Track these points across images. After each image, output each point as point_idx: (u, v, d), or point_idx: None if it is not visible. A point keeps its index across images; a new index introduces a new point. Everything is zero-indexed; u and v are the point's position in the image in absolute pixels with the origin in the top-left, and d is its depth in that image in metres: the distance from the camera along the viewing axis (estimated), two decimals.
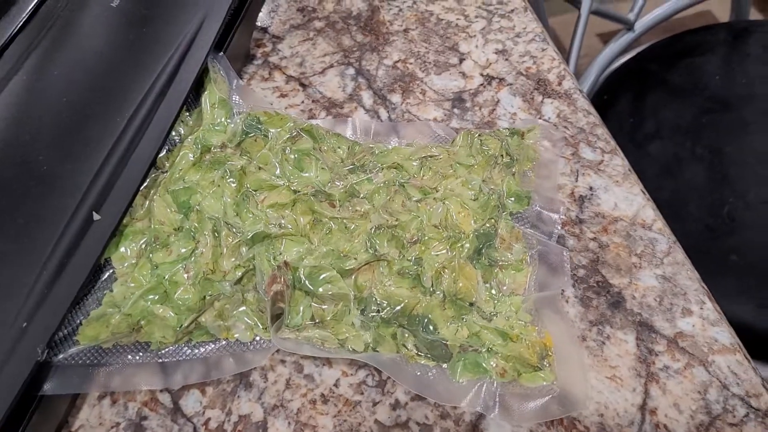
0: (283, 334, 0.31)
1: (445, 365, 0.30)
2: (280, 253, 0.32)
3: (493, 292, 0.32)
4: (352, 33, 0.47)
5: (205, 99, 0.37)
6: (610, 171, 0.39)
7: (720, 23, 0.74)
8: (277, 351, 0.34)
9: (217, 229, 0.32)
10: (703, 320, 0.34)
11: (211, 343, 0.32)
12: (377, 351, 0.30)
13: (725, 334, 0.33)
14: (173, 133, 0.36)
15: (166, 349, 0.32)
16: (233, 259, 0.32)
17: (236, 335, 0.32)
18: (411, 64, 0.45)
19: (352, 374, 0.33)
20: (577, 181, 0.39)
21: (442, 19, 0.47)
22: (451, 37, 0.46)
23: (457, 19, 0.47)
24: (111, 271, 0.32)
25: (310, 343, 0.31)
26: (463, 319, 0.31)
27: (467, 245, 0.32)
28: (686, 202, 0.62)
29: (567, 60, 0.67)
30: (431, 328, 0.31)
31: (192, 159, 0.35)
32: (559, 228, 0.36)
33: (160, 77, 0.36)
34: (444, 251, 0.32)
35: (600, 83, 0.72)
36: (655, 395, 0.32)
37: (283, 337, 0.31)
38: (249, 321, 0.32)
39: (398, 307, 0.31)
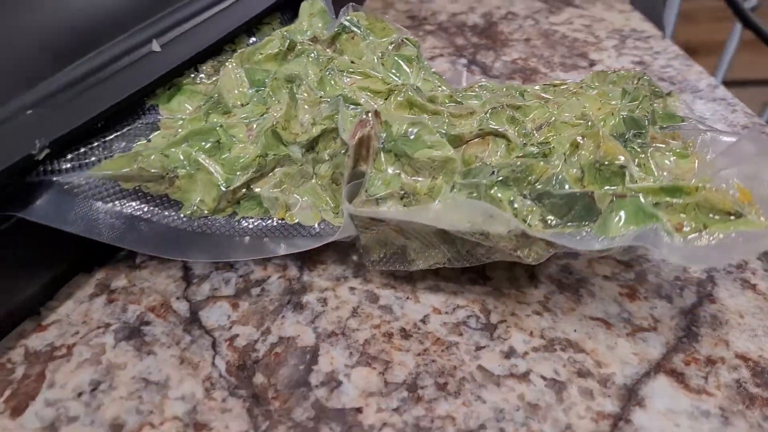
0: (358, 206, 0.22)
1: (587, 229, 0.20)
2: (378, 112, 0.24)
3: (647, 169, 0.22)
4: (467, 36, 0.42)
5: (304, 7, 0.31)
6: None
7: None
8: (344, 278, 0.24)
9: (293, 89, 0.25)
10: None
11: (260, 221, 0.23)
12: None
13: None
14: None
15: (199, 221, 0.23)
16: (309, 116, 0.24)
17: (297, 217, 0.23)
18: (533, 62, 0.39)
19: (447, 312, 0.23)
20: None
21: (567, 36, 0.42)
22: (579, 48, 0.41)
23: (586, 37, 0.42)
24: (155, 119, 0.24)
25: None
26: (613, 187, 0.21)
27: (611, 122, 0.23)
28: None
29: None
30: (567, 186, 0.21)
31: (276, 50, 0.28)
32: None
33: None
34: (586, 126, 0.23)
35: None
36: None
37: (359, 208, 0.22)
38: (317, 200, 0.23)
39: (520, 168, 0.22)
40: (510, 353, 0.22)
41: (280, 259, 0.25)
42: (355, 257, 0.25)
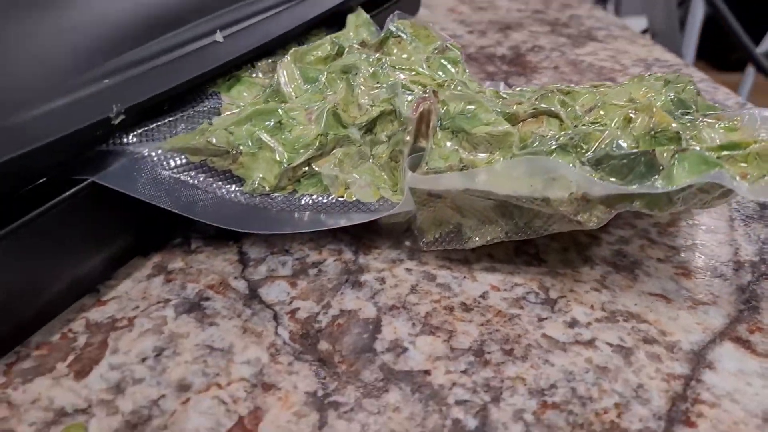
0: (418, 177, 0.22)
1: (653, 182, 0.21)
2: (435, 91, 0.24)
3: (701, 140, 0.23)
4: (497, 64, 0.44)
5: (351, 19, 0.32)
6: None
7: None
8: (400, 260, 0.25)
9: (350, 79, 0.26)
10: None
11: (320, 197, 0.24)
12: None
13: None
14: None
15: (260, 198, 0.23)
16: (368, 99, 0.25)
17: (355, 195, 0.24)
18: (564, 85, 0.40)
19: (505, 289, 0.24)
20: None
21: (594, 65, 0.44)
22: (607, 74, 0.42)
23: (612, 65, 0.43)
24: (218, 103, 0.25)
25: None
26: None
27: (659, 101, 0.24)
28: None
29: None
30: (626, 147, 0.22)
31: (326, 54, 0.29)
32: None
33: None
34: (638, 103, 0.24)
35: None
36: None
37: (419, 183, 0.22)
38: (376, 179, 0.24)
39: (577, 136, 0.22)
40: (573, 323, 0.22)
41: (335, 244, 0.26)
42: (408, 242, 0.26)
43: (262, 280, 0.24)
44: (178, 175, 0.22)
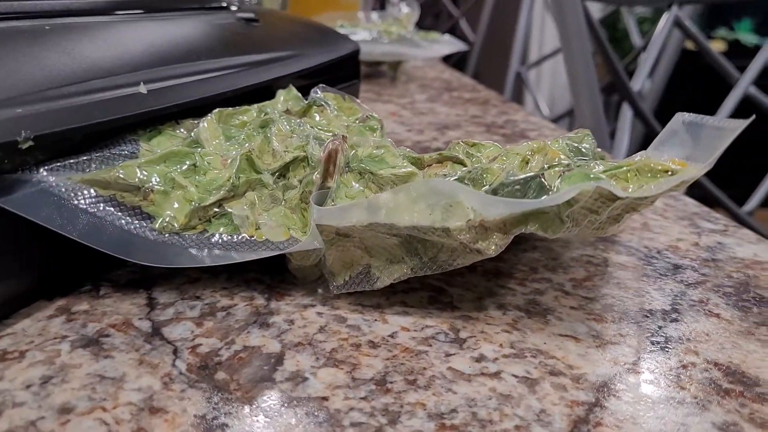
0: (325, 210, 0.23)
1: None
2: (345, 136, 0.25)
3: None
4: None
5: (281, 92, 0.34)
6: (741, 236, 0.33)
7: None
8: (311, 305, 0.24)
9: (267, 132, 0.27)
10: None
11: (231, 236, 0.24)
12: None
13: None
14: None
15: (171, 235, 0.23)
16: (282, 146, 0.25)
17: (265, 235, 0.24)
18: None
19: (416, 330, 0.23)
20: (700, 237, 0.32)
21: None
22: None
23: None
24: (136, 148, 0.26)
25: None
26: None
27: (557, 145, 0.25)
28: None
29: None
30: (520, 175, 0.22)
31: (251, 119, 0.30)
32: None
33: (243, 59, 0.34)
34: (534, 146, 0.25)
35: None
36: None
37: (326, 211, 0.22)
38: (286, 220, 0.24)
39: (478, 171, 0.23)
40: (480, 359, 0.22)
41: (248, 291, 0.25)
42: (321, 290, 0.25)
43: (168, 320, 0.23)
44: (85, 206, 0.22)
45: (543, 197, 0.21)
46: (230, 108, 0.29)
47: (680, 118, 0.24)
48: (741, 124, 0.22)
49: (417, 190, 0.21)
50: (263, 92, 0.34)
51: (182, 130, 0.28)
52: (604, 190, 0.20)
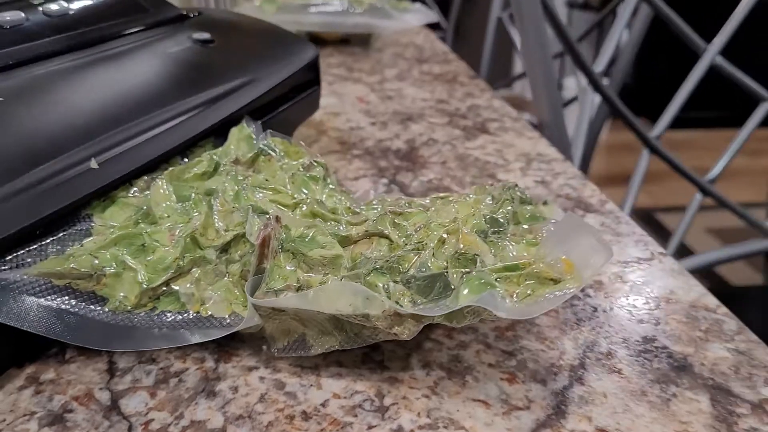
0: (258, 297, 0.25)
1: (445, 302, 0.24)
2: (279, 217, 0.28)
3: (501, 258, 0.26)
4: (389, 159, 0.47)
5: (233, 132, 0.35)
6: (664, 267, 0.35)
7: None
8: (256, 368, 0.27)
9: (211, 202, 0.29)
10: None
11: (177, 314, 0.26)
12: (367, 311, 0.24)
13: None
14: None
15: (122, 315, 0.26)
16: (224, 223, 0.28)
17: (210, 309, 0.26)
18: (447, 181, 0.44)
19: (345, 397, 0.26)
20: (625, 269, 0.35)
21: (480, 159, 0.47)
22: (489, 170, 0.46)
23: (496, 160, 0.47)
24: (89, 225, 0.28)
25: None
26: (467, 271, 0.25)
27: (474, 221, 0.27)
28: None
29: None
30: (428, 270, 0.25)
31: (203, 170, 0.32)
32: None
33: (194, 100, 0.35)
34: (450, 226, 0.27)
35: None
36: None
37: (259, 301, 0.25)
38: (228, 295, 0.27)
39: (394, 258, 0.25)
40: (398, 431, 0.25)
41: (199, 353, 0.28)
42: (265, 347, 0.28)
43: (125, 390, 0.26)
44: (42, 299, 0.25)
45: (442, 302, 0.23)
46: (181, 165, 0.31)
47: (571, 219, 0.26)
48: (610, 256, 0.24)
49: (339, 289, 0.23)
50: (220, 129, 0.36)
51: (135, 190, 0.30)
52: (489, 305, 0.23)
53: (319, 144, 0.49)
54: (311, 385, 0.27)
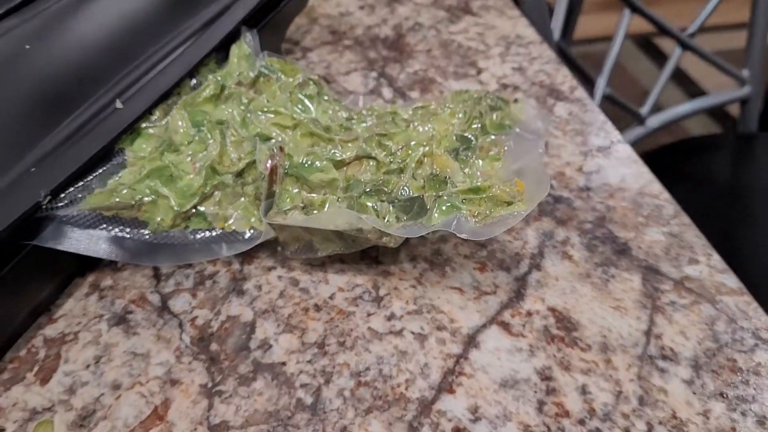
0: (272, 216, 0.31)
1: (422, 221, 0.30)
2: (282, 147, 0.33)
3: (472, 177, 0.31)
4: (378, 49, 0.51)
5: (233, 51, 0.39)
6: (619, 155, 0.40)
7: (728, 133, 0.78)
8: (273, 267, 0.33)
9: (223, 132, 0.33)
10: (710, 268, 0.33)
11: (207, 231, 0.32)
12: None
13: (733, 281, 0.32)
14: (202, 79, 0.38)
15: (162, 233, 0.32)
16: (237, 153, 0.33)
17: (233, 226, 0.32)
18: (432, 72, 0.48)
19: (348, 290, 0.33)
20: (585, 160, 0.40)
21: (462, 45, 0.51)
22: (470, 57, 0.49)
23: (477, 45, 0.51)
24: (123, 159, 0.33)
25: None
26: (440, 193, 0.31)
27: (446, 143, 0.33)
28: None
29: None
30: (408, 193, 0.31)
31: (211, 93, 0.36)
32: (543, 142, 0.37)
33: (195, 23, 0.39)
34: (426, 148, 0.32)
35: None
36: (660, 324, 0.30)
37: (272, 219, 0.31)
38: (246, 212, 0.32)
39: (380, 181, 0.31)
40: (391, 317, 0.31)
41: (226, 257, 0.34)
42: (280, 248, 0.34)
43: (171, 292, 0.33)
44: (96, 228, 0.31)
45: (419, 220, 0.29)
46: (191, 93, 0.36)
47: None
48: (547, 189, 0.29)
49: (336, 212, 0.29)
50: (221, 45, 0.40)
51: (154, 117, 0.35)
52: (461, 220, 0.28)
53: (311, 35, 0.53)
54: (320, 281, 0.33)
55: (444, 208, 0.29)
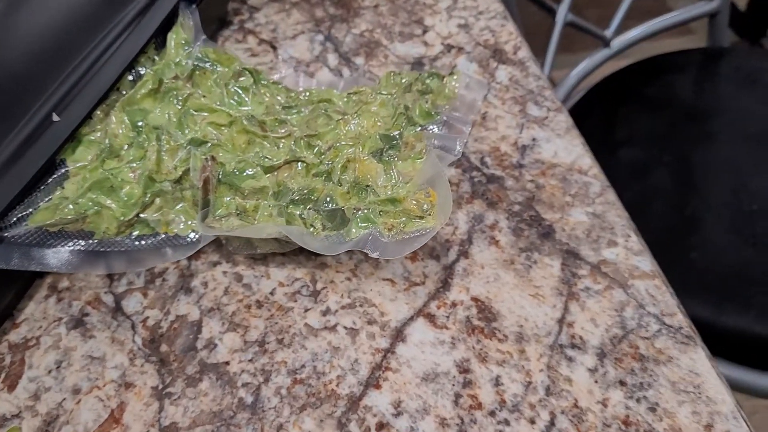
0: (208, 223, 0.33)
1: (343, 232, 0.32)
2: (213, 156, 0.34)
3: (393, 180, 0.33)
4: (325, 7, 0.50)
5: (171, 37, 0.39)
6: (554, 126, 0.41)
7: (696, 48, 0.77)
8: (219, 263, 0.36)
9: (159, 136, 0.35)
10: (627, 251, 0.35)
11: (150, 237, 0.34)
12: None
13: (646, 263, 0.35)
14: (141, 69, 0.38)
15: (109, 241, 0.34)
16: (173, 161, 0.34)
17: (174, 230, 0.34)
18: (377, 33, 0.48)
19: (288, 285, 0.35)
20: (521, 133, 0.41)
21: (409, 1, 0.50)
22: (417, 13, 0.49)
23: (425, 1, 0.50)
24: (65, 170, 0.34)
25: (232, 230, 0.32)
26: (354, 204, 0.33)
27: (370, 144, 0.34)
28: (651, 202, 0.64)
29: (542, 68, 0.70)
30: (333, 204, 0.33)
31: (150, 88, 0.37)
32: (468, 132, 0.39)
33: (130, 12, 0.39)
34: (351, 150, 0.34)
35: (577, 97, 0.75)
36: (573, 311, 0.33)
37: (209, 226, 0.33)
38: (188, 216, 0.34)
39: (306, 191, 0.33)
40: (326, 312, 0.34)
41: None
42: (224, 241, 0.36)
43: (124, 292, 0.35)
44: (45, 244, 0.33)
45: (342, 232, 0.31)
46: (130, 92, 0.37)
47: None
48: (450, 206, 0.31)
49: (265, 224, 0.31)
50: (161, 31, 0.40)
51: (94, 120, 0.36)
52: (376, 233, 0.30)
53: None
54: (262, 276, 0.35)
55: (360, 223, 0.31)
